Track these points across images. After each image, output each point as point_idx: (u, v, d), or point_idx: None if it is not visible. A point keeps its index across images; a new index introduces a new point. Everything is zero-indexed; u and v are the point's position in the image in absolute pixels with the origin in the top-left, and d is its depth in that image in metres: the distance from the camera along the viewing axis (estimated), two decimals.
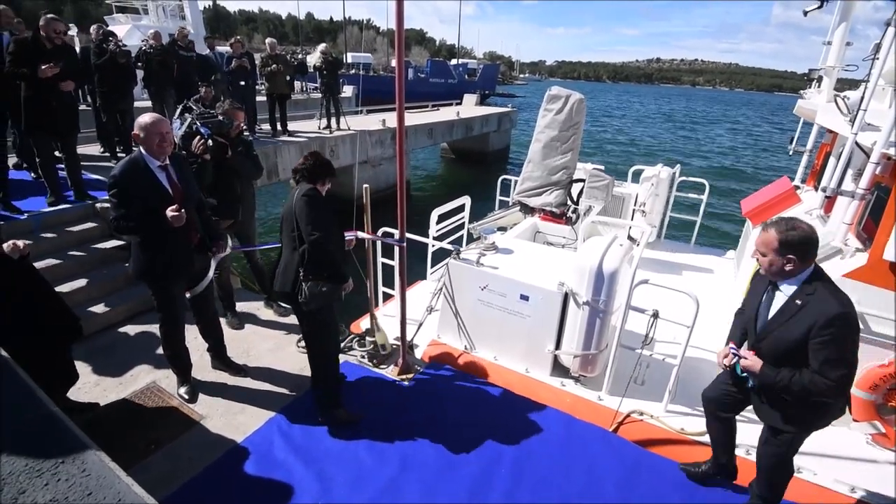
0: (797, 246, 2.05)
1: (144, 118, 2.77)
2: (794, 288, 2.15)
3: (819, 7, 4.35)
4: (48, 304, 2.81)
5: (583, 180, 5.51)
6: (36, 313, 2.68)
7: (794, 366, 2.12)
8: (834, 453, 2.99)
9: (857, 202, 3.23)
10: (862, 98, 3.09)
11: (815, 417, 2.25)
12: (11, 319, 2.55)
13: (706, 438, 3.04)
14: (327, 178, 2.92)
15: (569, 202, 5.50)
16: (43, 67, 4.37)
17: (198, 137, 3.49)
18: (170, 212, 2.70)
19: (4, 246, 2.55)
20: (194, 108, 3.88)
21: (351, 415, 3.15)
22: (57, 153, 5.28)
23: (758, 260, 2.20)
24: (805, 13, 4.48)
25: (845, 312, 2.00)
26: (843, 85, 4.60)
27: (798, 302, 2.11)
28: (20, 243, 2.60)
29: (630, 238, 5.18)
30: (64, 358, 2.97)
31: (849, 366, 2.04)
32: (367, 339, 3.84)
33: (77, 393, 3.18)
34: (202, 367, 3.58)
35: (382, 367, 3.72)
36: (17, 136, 6.08)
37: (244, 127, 3.93)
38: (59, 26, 4.60)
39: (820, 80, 4.87)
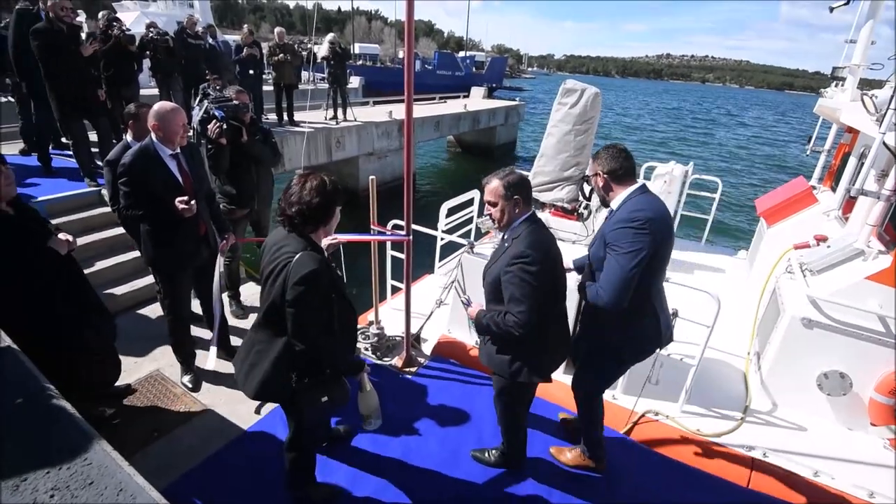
0: (518, 185, 2.12)
1: (164, 106, 2.69)
2: (510, 230, 2.17)
3: (845, 3, 4.23)
4: (89, 297, 2.65)
5: None
6: (81, 307, 2.55)
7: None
8: (852, 458, 2.93)
9: (883, 203, 3.14)
10: (892, 97, 2.98)
11: (513, 360, 2.23)
12: (62, 314, 2.40)
13: (722, 440, 2.99)
14: (332, 217, 1.93)
15: (580, 198, 5.40)
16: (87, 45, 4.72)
17: (213, 121, 3.50)
18: (179, 203, 2.63)
19: (58, 238, 2.38)
20: (211, 93, 3.87)
21: (331, 489, 2.51)
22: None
23: (490, 216, 2.20)
24: (831, 10, 4.36)
25: (525, 252, 2.01)
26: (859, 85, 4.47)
27: (507, 244, 2.15)
28: (70, 238, 2.43)
29: None
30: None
31: (527, 302, 2.02)
32: (371, 330, 3.78)
33: None
34: (206, 356, 3.52)
35: (386, 359, 3.67)
36: (23, 123, 6.03)
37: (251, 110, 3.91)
38: (65, 3, 4.62)
39: (841, 79, 4.75)
